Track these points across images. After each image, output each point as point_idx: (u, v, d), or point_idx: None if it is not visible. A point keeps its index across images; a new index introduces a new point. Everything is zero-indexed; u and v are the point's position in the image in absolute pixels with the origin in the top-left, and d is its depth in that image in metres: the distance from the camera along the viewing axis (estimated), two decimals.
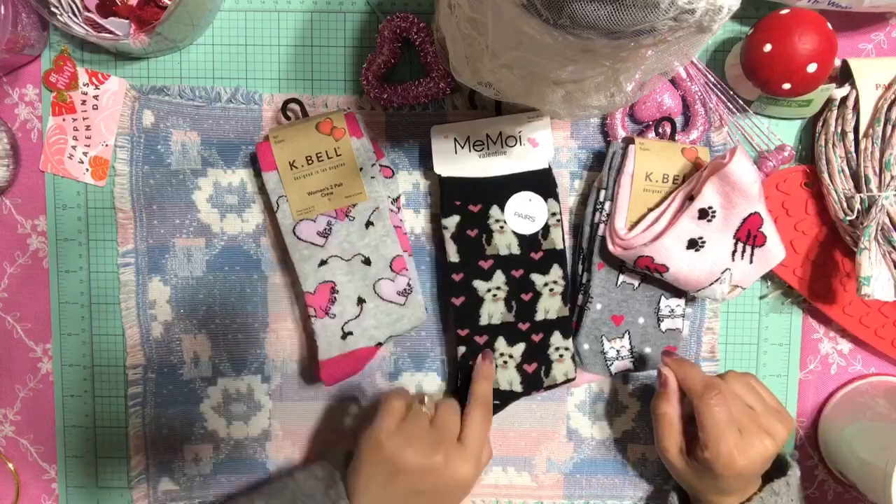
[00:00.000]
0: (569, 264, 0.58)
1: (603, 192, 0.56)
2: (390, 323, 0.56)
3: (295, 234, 0.55)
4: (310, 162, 0.55)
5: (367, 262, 0.56)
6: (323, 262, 0.55)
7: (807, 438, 0.61)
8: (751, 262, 0.54)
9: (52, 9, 0.53)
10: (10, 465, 0.61)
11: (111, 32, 0.54)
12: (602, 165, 0.57)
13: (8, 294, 0.60)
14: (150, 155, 0.58)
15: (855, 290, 0.52)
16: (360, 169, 0.55)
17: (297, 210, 0.55)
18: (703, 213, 0.52)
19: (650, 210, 0.55)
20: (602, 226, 0.56)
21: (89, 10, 0.54)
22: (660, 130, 0.57)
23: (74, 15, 0.54)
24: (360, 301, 0.56)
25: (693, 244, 0.53)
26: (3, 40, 0.52)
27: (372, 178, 0.55)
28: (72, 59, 0.58)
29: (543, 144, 0.56)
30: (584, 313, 0.58)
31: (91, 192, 0.59)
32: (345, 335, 0.56)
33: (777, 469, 0.53)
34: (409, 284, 0.56)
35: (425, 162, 0.59)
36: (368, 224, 0.55)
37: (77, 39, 0.57)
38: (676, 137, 0.57)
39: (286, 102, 0.56)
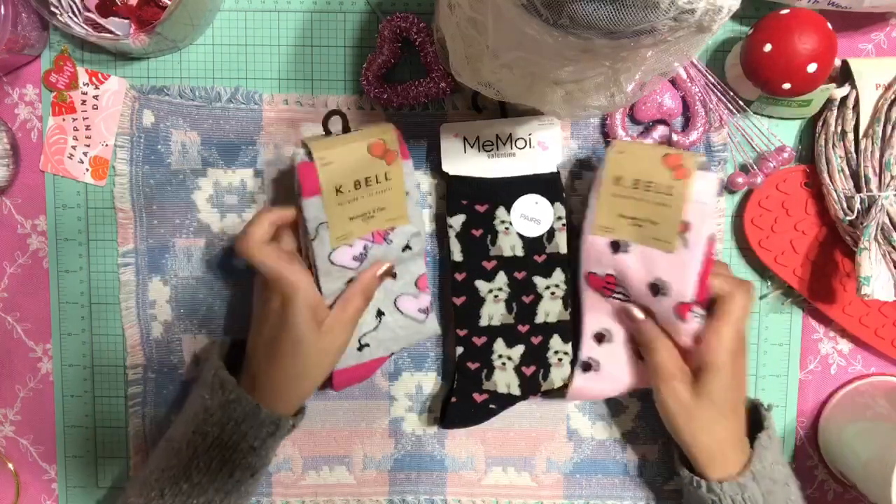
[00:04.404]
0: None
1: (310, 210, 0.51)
2: (406, 336, 0.56)
3: (330, 260, 0.51)
4: (357, 187, 0.50)
5: (393, 276, 0.55)
6: (350, 280, 0.53)
7: (807, 438, 0.61)
8: None
9: (52, 9, 0.53)
10: (10, 465, 0.61)
11: (111, 32, 0.54)
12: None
13: (8, 294, 0.60)
14: (150, 155, 0.58)
15: (855, 290, 0.52)
16: (407, 193, 0.52)
17: (336, 237, 0.50)
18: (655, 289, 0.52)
19: (622, 217, 0.52)
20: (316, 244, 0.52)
21: (89, 10, 0.54)
22: (654, 135, 0.57)
23: (74, 15, 0.54)
24: (379, 314, 0.55)
25: (655, 289, 0.52)
26: (3, 40, 0.52)
27: (416, 203, 0.53)
28: (72, 59, 0.58)
29: (553, 148, 0.56)
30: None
31: (91, 191, 0.59)
32: (361, 347, 0.55)
33: (754, 423, 0.54)
34: (430, 302, 0.56)
35: (426, 162, 0.59)
36: (406, 248, 0.54)
37: (77, 39, 0.57)
38: (676, 138, 0.57)
39: (328, 115, 0.52)
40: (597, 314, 0.55)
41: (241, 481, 0.51)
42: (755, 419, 0.55)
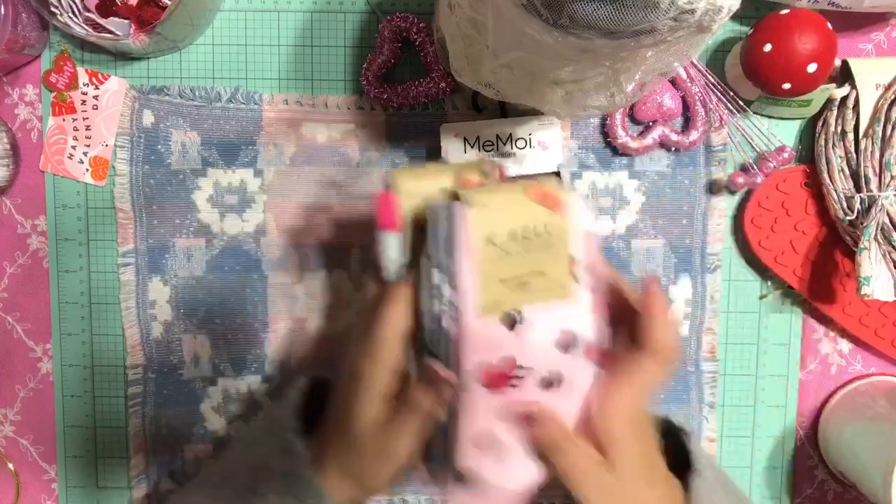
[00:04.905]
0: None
1: (436, 273, 0.40)
2: None
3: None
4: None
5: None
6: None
7: (807, 438, 0.61)
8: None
9: (52, 9, 0.53)
10: (10, 465, 0.61)
11: (111, 32, 0.54)
12: (602, 167, 0.56)
13: (8, 294, 0.60)
14: (150, 155, 0.58)
15: (855, 290, 0.52)
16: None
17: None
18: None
19: (503, 283, 0.39)
20: (446, 319, 0.39)
21: (89, 10, 0.54)
22: (654, 135, 0.57)
23: (74, 15, 0.54)
24: None
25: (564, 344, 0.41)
26: (3, 40, 0.52)
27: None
28: (72, 59, 0.58)
29: (553, 148, 0.56)
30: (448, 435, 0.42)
31: (91, 192, 0.59)
32: None
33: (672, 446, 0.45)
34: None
35: (426, 162, 0.59)
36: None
37: (77, 39, 0.57)
38: (676, 138, 0.57)
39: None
40: (476, 418, 0.40)
41: None
42: (671, 442, 0.46)
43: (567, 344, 0.41)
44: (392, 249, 0.42)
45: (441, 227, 0.40)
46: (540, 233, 0.39)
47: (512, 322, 0.39)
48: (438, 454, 0.44)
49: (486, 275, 0.39)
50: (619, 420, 0.41)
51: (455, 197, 0.40)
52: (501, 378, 0.40)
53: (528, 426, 0.41)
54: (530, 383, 0.41)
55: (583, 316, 0.41)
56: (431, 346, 0.41)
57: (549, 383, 0.41)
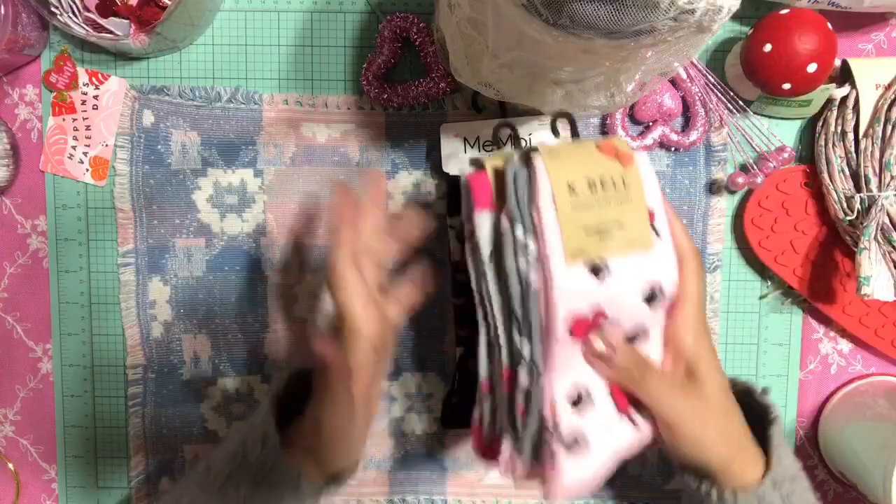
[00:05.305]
0: (501, 329, 0.42)
1: (519, 228, 0.40)
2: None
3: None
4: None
5: None
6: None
7: (807, 438, 0.61)
8: None
9: (52, 9, 0.53)
10: (10, 465, 0.61)
11: (111, 32, 0.54)
12: None
13: (8, 294, 0.60)
14: (150, 155, 0.58)
15: (855, 290, 0.52)
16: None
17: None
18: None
19: (586, 232, 0.40)
20: (532, 273, 0.39)
21: (89, 10, 0.54)
22: (654, 135, 0.57)
23: (74, 15, 0.54)
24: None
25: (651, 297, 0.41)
26: (3, 40, 0.52)
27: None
28: (72, 59, 0.58)
29: None
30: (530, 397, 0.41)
31: (91, 192, 0.59)
32: None
33: (750, 410, 0.46)
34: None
35: (426, 162, 0.59)
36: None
37: (77, 39, 0.57)
38: (676, 138, 0.57)
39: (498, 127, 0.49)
40: (566, 369, 0.40)
41: None
42: (748, 404, 0.47)
43: (652, 296, 0.41)
44: (485, 229, 0.42)
45: (520, 181, 0.40)
46: (617, 184, 0.40)
47: (597, 270, 0.39)
48: (452, 412, 0.43)
49: (568, 221, 0.39)
50: (693, 334, 0.42)
51: (528, 156, 0.40)
52: (587, 326, 0.40)
53: (604, 362, 0.41)
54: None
55: (665, 268, 0.41)
56: (512, 313, 0.41)
57: (633, 337, 0.41)
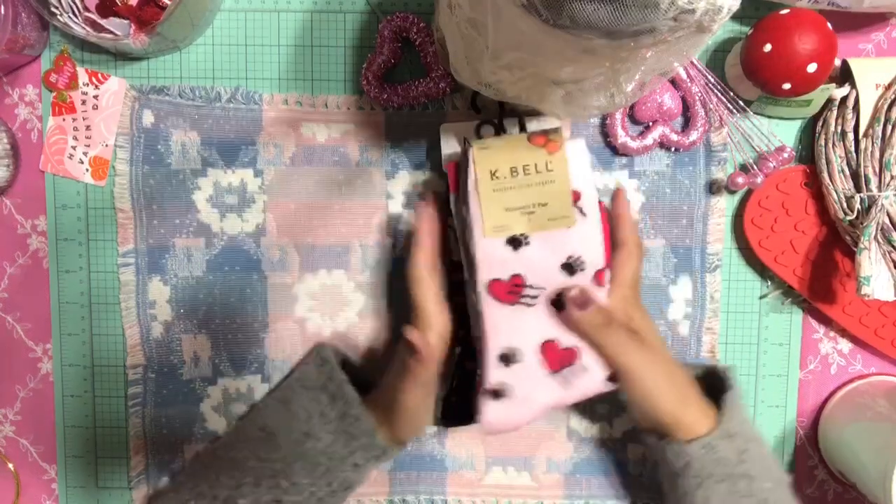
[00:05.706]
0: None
1: (464, 207, 0.50)
2: None
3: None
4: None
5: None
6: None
7: (807, 438, 0.61)
8: None
9: (52, 9, 0.53)
10: (10, 465, 0.61)
11: (111, 32, 0.54)
12: (602, 167, 0.57)
13: (8, 294, 0.60)
14: (150, 155, 0.58)
15: (855, 290, 0.52)
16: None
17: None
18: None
19: (510, 210, 0.48)
20: (471, 245, 0.50)
21: (89, 10, 0.54)
22: (654, 134, 0.57)
23: (74, 15, 0.54)
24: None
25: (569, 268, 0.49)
26: (3, 40, 0.52)
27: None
28: (72, 59, 0.58)
29: None
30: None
31: (91, 192, 0.59)
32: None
33: (715, 388, 0.52)
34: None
35: (426, 162, 0.59)
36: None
37: (77, 39, 0.57)
38: (676, 138, 0.57)
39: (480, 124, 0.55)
40: (499, 332, 0.50)
41: (337, 492, 0.52)
42: (714, 384, 0.52)
43: (573, 267, 0.49)
44: (454, 208, 0.51)
45: (462, 169, 0.50)
46: (541, 170, 0.47)
47: (517, 244, 0.48)
48: (452, 412, 0.55)
49: (490, 202, 0.48)
50: (624, 305, 0.50)
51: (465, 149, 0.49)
52: (505, 288, 0.49)
53: (574, 308, 0.48)
54: (543, 302, 0.49)
55: (588, 243, 0.49)
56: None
57: (561, 304, 0.49)
